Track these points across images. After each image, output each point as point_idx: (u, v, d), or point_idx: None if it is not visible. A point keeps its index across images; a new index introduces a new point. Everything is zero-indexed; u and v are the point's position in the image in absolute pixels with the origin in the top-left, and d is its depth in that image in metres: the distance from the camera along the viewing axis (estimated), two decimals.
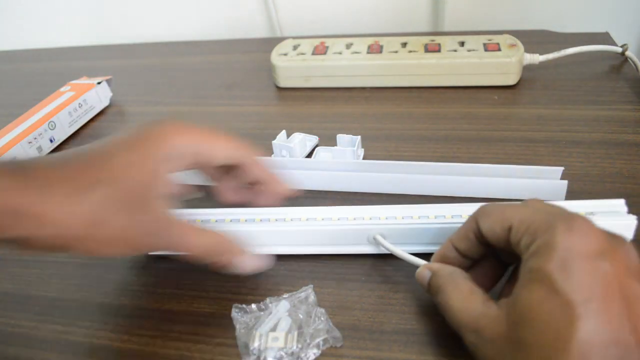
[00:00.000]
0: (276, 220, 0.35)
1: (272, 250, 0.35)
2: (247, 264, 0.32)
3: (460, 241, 0.29)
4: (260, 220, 0.35)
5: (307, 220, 0.34)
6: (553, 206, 0.25)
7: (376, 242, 0.33)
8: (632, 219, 0.31)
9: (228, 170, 0.34)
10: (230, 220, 0.35)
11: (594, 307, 0.21)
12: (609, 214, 0.32)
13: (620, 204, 0.32)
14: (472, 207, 0.32)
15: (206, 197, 0.38)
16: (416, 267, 0.30)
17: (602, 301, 0.21)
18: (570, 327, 0.20)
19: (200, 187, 0.39)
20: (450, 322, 0.26)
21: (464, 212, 0.33)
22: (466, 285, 0.26)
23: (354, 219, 0.34)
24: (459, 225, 0.29)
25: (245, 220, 0.35)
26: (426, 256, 0.33)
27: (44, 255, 0.38)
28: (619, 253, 0.22)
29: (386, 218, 0.34)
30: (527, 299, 0.22)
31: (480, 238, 0.27)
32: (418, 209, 0.34)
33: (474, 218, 0.28)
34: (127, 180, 0.27)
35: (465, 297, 0.26)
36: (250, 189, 0.35)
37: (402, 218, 0.33)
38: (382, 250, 0.33)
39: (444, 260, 0.29)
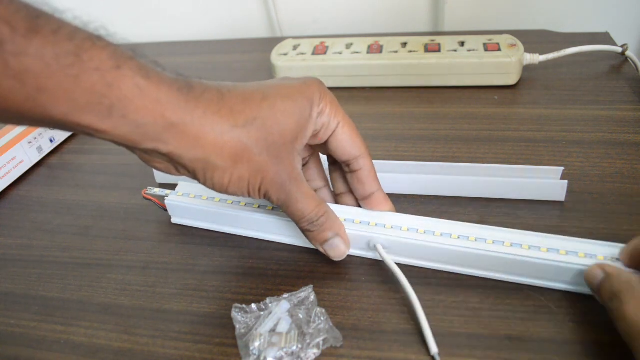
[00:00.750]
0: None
1: (273, 238, 0.36)
2: (337, 249, 0.32)
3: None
4: (273, 209, 0.36)
5: None
6: None
7: (376, 251, 0.33)
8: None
9: (334, 168, 0.35)
10: (245, 204, 0.36)
11: None
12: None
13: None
14: (480, 230, 0.32)
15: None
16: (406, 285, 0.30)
17: None
18: None
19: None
20: (623, 331, 0.25)
21: (472, 234, 0.32)
22: None
23: (360, 222, 0.34)
24: (464, 248, 0.30)
25: (259, 207, 0.36)
26: (428, 271, 0.33)
27: (43, 255, 0.38)
28: None
29: (391, 227, 0.33)
30: None
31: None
32: (424, 222, 0.33)
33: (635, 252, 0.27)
34: (280, 125, 0.28)
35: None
36: (349, 195, 0.36)
37: (407, 230, 0.33)
38: (377, 257, 0.34)
39: (634, 257, 0.28)
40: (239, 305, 0.31)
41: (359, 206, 0.35)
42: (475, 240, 0.32)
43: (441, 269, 0.33)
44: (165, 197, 0.38)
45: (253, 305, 0.31)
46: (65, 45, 0.21)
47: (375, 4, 0.71)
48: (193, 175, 0.28)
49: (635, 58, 0.54)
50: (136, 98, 0.23)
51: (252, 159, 0.27)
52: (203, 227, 0.38)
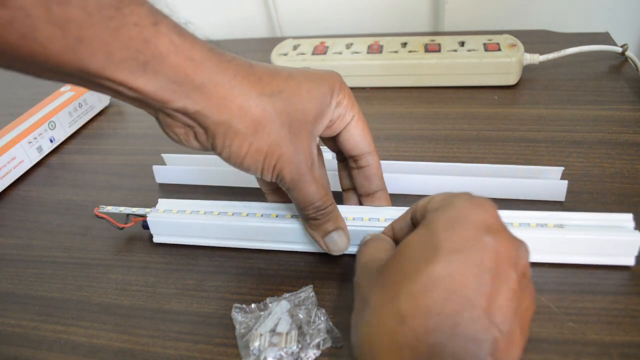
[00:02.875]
0: (277, 216, 0.35)
1: (272, 246, 0.35)
2: (339, 242, 0.32)
3: (397, 224, 0.30)
4: (262, 216, 0.35)
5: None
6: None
7: None
8: (638, 235, 0.30)
9: (341, 164, 0.36)
10: (247, 215, 0.35)
11: (456, 259, 0.22)
12: (614, 229, 0.31)
13: (627, 218, 0.31)
14: None
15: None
16: None
17: (469, 261, 0.22)
18: (426, 263, 0.22)
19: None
20: (356, 268, 0.28)
21: None
22: (386, 244, 0.29)
23: (369, 219, 0.34)
24: None
25: (261, 215, 0.35)
26: None
27: (43, 255, 0.38)
28: (508, 242, 0.23)
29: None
30: (409, 238, 0.24)
31: (414, 220, 0.28)
32: None
33: (414, 205, 0.29)
34: (304, 103, 0.28)
35: (376, 248, 0.29)
36: (352, 192, 0.36)
37: None
38: None
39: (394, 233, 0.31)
40: (239, 305, 0.31)
41: (361, 204, 0.35)
42: None
43: None
44: (147, 214, 0.36)
45: (253, 305, 0.31)
46: None
47: (375, 4, 0.71)
48: (212, 141, 0.27)
49: (635, 58, 0.54)
50: (171, 55, 0.24)
51: (272, 131, 0.27)
52: (190, 244, 0.37)
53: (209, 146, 0.28)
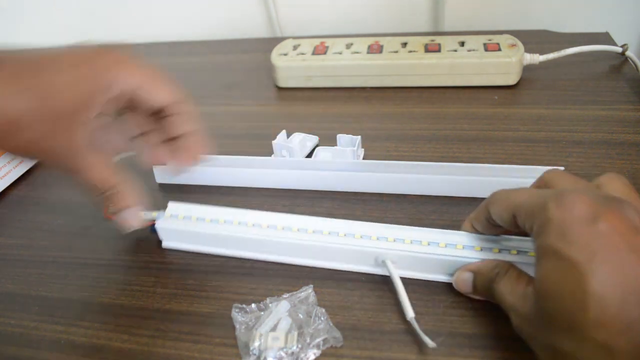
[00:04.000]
0: (283, 228, 0.34)
1: (277, 258, 0.35)
2: (130, 219, 0.33)
3: (476, 223, 0.31)
4: (267, 227, 0.35)
5: (313, 232, 0.34)
6: (545, 190, 0.26)
7: (384, 266, 0.32)
8: None
9: (156, 120, 0.34)
10: (239, 223, 0.35)
11: (599, 260, 0.21)
12: None
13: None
14: (484, 240, 0.31)
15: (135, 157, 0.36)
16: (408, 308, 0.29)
17: (607, 254, 0.21)
18: (582, 285, 0.21)
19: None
20: (503, 306, 0.27)
21: (476, 244, 0.31)
22: (513, 272, 0.27)
23: (361, 236, 0.33)
24: (468, 258, 0.31)
25: (253, 225, 0.35)
26: (433, 284, 0.32)
27: (43, 255, 0.38)
28: (614, 212, 0.23)
29: (394, 240, 0.32)
30: (541, 274, 0.24)
31: (494, 223, 0.29)
32: (428, 233, 0.32)
33: (486, 205, 0.29)
34: (60, 95, 0.27)
35: (511, 281, 0.27)
36: (170, 147, 0.35)
37: (411, 242, 0.32)
38: (385, 273, 0.32)
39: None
40: (239, 305, 0.31)
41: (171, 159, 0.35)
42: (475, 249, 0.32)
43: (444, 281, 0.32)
44: (156, 220, 0.36)
45: (253, 305, 0.31)
46: None
47: (375, 4, 0.71)
48: None
49: (635, 58, 0.54)
50: None
51: (31, 128, 0.27)
52: (196, 251, 0.36)
53: None
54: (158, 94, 0.31)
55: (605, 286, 0.21)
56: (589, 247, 0.22)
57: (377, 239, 0.33)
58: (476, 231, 0.31)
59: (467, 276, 0.30)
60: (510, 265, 0.28)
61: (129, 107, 0.31)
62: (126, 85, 0.29)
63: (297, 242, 0.34)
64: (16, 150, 0.28)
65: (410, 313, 0.29)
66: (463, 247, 0.31)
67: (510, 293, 0.27)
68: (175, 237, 0.37)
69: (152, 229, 0.36)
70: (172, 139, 0.34)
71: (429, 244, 0.32)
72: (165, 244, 0.37)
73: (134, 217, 0.33)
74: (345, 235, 0.33)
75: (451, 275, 0.31)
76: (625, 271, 0.21)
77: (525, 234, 0.26)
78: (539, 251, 0.24)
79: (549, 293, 0.23)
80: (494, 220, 0.28)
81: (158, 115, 0.33)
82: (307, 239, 0.33)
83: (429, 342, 0.28)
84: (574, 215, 0.23)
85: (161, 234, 0.37)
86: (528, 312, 0.25)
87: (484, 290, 0.29)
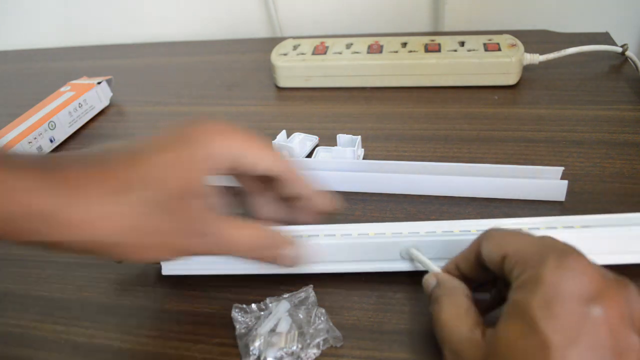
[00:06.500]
0: (309, 236, 0.33)
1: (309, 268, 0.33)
2: (295, 257, 0.30)
3: (462, 261, 0.28)
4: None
5: (341, 235, 0.33)
6: (553, 239, 0.23)
7: (410, 257, 0.31)
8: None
9: (265, 181, 0.31)
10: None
11: (575, 353, 0.19)
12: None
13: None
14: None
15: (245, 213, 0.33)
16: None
17: (587, 349, 0.19)
18: None
19: (236, 199, 0.34)
20: (437, 335, 0.25)
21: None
22: (463, 304, 0.25)
23: (392, 234, 0.32)
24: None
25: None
26: None
27: (43, 255, 0.38)
28: (615, 298, 0.20)
29: (426, 233, 0.32)
30: (505, 333, 0.21)
31: (481, 261, 0.26)
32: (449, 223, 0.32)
33: (479, 240, 0.26)
34: (165, 181, 0.25)
35: (457, 315, 0.25)
36: (288, 205, 0.33)
37: (442, 232, 0.32)
38: (418, 267, 0.32)
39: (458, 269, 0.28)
40: (239, 305, 0.31)
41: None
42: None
43: None
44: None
45: (253, 305, 0.31)
46: None
47: (375, 4, 0.71)
48: (98, 254, 0.26)
49: (635, 58, 0.54)
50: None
51: (147, 225, 0.25)
52: (202, 274, 0.34)
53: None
54: (261, 160, 0.29)
55: None
56: (571, 331, 0.19)
57: (409, 233, 0.32)
58: (459, 274, 0.28)
59: (431, 282, 0.28)
60: (464, 295, 0.26)
61: (234, 170, 0.29)
62: (225, 151, 0.27)
63: (331, 244, 0.32)
64: (148, 253, 0.26)
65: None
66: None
67: (451, 328, 0.24)
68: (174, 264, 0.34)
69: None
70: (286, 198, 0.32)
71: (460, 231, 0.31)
72: (166, 271, 0.34)
73: (300, 252, 0.30)
74: (375, 234, 0.32)
75: None
76: None
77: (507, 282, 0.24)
78: (513, 306, 0.21)
79: (502, 356, 0.21)
80: (484, 259, 0.25)
81: (264, 177, 0.31)
82: (336, 240, 0.32)
83: None
84: (570, 286, 0.20)
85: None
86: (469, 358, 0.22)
87: (431, 303, 0.27)
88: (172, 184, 0.26)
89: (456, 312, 0.25)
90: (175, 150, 0.26)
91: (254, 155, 0.28)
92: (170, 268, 0.34)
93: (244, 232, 0.28)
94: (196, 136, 0.27)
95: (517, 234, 0.25)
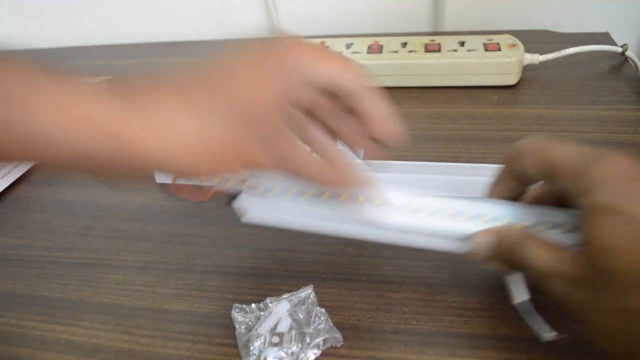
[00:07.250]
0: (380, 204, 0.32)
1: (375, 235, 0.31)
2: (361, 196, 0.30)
3: (502, 184, 0.30)
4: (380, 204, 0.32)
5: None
6: (583, 145, 0.25)
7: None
8: None
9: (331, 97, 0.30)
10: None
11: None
12: None
13: None
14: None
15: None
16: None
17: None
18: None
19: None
20: (532, 274, 0.26)
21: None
22: (540, 239, 0.26)
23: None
24: None
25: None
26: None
27: (43, 255, 0.38)
28: None
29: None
30: (600, 232, 0.22)
31: (522, 178, 0.28)
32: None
33: (511, 160, 0.28)
34: (248, 103, 0.25)
35: (543, 247, 0.25)
36: (347, 124, 0.32)
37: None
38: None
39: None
40: (239, 305, 0.31)
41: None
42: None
43: None
44: (241, 192, 0.32)
45: (253, 305, 0.31)
46: None
47: (375, 4, 0.71)
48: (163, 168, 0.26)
49: (635, 58, 0.54)
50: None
51: (222, 131, 0.25)
52: (287, 226, 0.32)
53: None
54: (352, 78, 0.28)
55: None
56: None
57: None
58: (504, 196, 0.30)
59: (489, 239, 0.28)
60: (532, 232, 0.27)
61: (324, 92, 0.28)
62: (320, 74, 0.26)
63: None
64: (215, 162, 0.26)
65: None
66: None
67: (546, 258, 0.25)
68: (261, 208, 0.32)
69: (229, 200, 0.33)
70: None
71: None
72: (248, 217, 0.33)
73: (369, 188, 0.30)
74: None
75: None
76: None
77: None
78: (592, 209, 0.23)
79: (609, 250, 0.22)
80: (523, 174, 0.27)
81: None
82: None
83: (546, 333, 0.26)
84: (623, 173, 0.23)
85: (245, 206, 0.33)
86: (578, 275, 0.23)
87: (507, 254, 0.27)
88: (255, 105, 0.25)
89: (540, 245, 0.26)
90: (263, 63, 0.26)
91: (352, 78, 0.28)
92: (254, 215, 0.32)
93: (318, 165, 0.28)
94: (290, 57, 0.26)
95: (553, 145, 0.26)
